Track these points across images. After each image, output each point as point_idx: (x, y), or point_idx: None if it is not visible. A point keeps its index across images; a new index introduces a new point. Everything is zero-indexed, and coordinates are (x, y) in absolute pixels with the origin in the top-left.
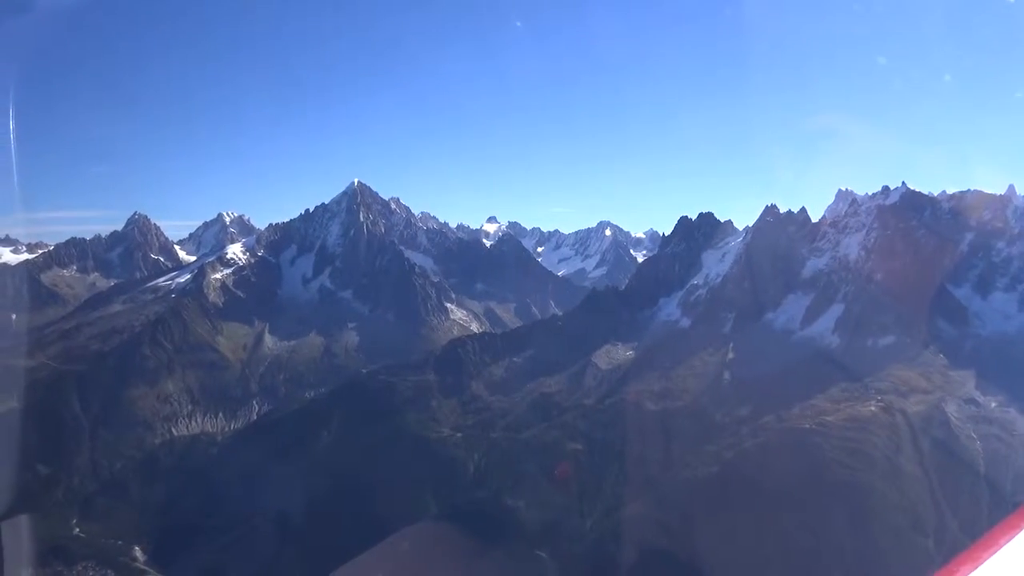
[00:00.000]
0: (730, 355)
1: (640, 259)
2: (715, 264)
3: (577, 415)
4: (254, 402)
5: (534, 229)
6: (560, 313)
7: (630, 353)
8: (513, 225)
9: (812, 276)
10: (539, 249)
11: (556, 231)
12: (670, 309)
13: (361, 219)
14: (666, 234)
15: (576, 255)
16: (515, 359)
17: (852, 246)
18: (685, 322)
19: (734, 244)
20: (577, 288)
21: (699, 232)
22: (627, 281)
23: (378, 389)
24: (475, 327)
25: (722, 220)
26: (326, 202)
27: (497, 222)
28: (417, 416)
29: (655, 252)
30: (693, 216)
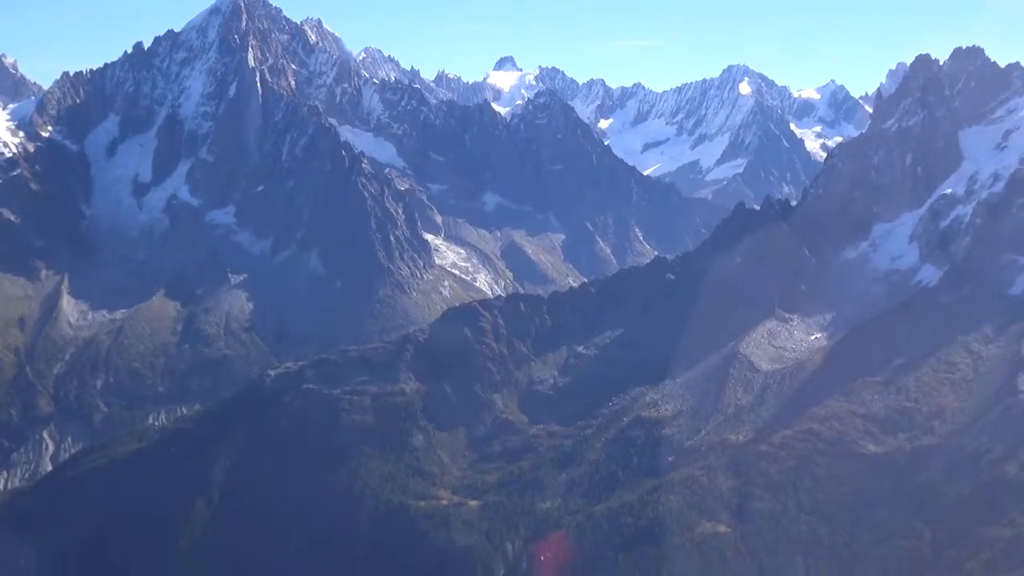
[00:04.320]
0: None
1: (814, 142)
2: (989, 155)
3: (717, 463)
4: (44, 434)
5: (592, 83)
6: (664, 256)
7: (817, 337)
8: (550, 75)
9: None
10: (603, 124)
11: (637, 86)
12: (896, 247)
13: (250, 62)
14: (871, 92)
15: (680, 133)
16: (580, 347)
17: None
18: (930, 273)
19: None
20: (689, 202)
21: (952, 87)
22: (800, 189)
23: (298, 409)
24: (485, 281)
25: (998, 61)
26: (176, 29)
27: (517, 68)
28: (383, 465)
29: (853, 131)
30: (941, 54)
